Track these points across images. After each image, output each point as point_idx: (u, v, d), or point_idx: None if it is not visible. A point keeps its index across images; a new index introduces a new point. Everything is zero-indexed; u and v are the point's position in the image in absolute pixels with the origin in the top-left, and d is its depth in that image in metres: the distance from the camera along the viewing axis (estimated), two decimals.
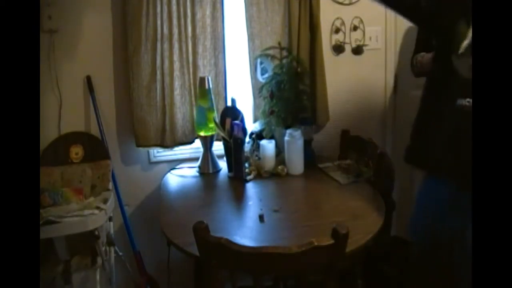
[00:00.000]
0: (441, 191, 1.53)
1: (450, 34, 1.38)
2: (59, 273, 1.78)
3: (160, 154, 2.31)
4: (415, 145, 1.62)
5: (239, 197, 1.88)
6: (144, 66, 2.09)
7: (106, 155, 2.07)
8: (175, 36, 2.10)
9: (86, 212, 1.71)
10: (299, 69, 2.14)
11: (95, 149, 2.08)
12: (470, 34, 1.29)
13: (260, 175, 2.03)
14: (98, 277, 1.84)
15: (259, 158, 2.08)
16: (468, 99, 1.35)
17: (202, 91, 2.08)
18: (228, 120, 2.05)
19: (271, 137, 2.14)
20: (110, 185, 2.00)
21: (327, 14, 2.36)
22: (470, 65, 1.40)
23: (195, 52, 2.16)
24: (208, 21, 2.15)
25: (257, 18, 2.21)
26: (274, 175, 2.04)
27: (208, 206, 1.78)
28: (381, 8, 2.49)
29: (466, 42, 1.31)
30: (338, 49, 2.45)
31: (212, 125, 2.08)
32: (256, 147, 2.13)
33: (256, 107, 2.31)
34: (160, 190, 1.99)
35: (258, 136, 2.17)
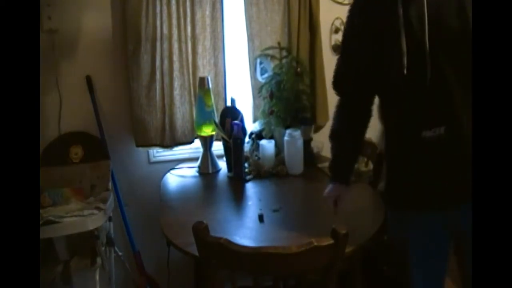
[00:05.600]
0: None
1: None
2: (59, 273, 1.78)
3: (160, 154, 2.31)
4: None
5: (238, 197, 1.88)
6: (144, 66, 2.09)
7: (106, 155, 2.07)
8: (175, 36, 2.10)
9: (86, 212, 1.71)
10: (298, 69, 2.14)
11: (95, 149, 2.08)
12: None
13: (259, 175, 2.03)
14: (98, 277, 1.84)
15: (259, 158, 2.08)
16: (433, 129, 1.21)
17: (204, 91, 2.08)
18: (227, 120, 2.05)
19: (271, 137, 2.14)
20: (110, 185, 2.00)
21: (327, 14, 2.36)
22: None
23: (194, 52, 2.17)
24: (208, 21, 2.15)
25: (257, 18, 2.21)
26: (274, 175, 2.03)
27: (208, 206, 1.77)
28: None
29: None
30: (338, 49, 2.45)
31: (212, 125, 2.08)
32: (255, 147, 2.13)
33: (255, 107, 2.31)
34: (160, 190, 1.99)
35: (258, 136, 2.17)
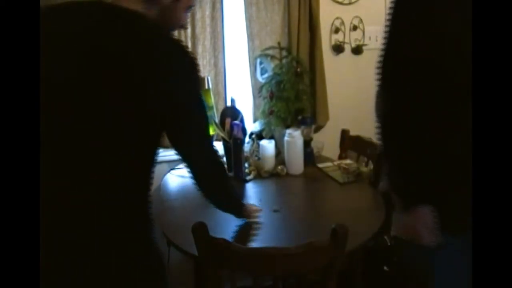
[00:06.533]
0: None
1: None
2: None
3: (160, 154, 2.30)
4: None
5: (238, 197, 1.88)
6: None
7: None
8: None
9: None
10: (298, 69, 2.14)
11: None
12: None
13: (259, 175, 2.03)
14: None
15: (259, 158, 2.08)
16: None
17: (204, 91, 2.08)
18: (227, 120, 2.05)
19: (271, 137, 2.14)
20: None
21: (327, 14, 2.36)
22: None
23: (194, 52, 2.17)
24: (208, 21, 2.15)
25: (257, 18, 2.22)
26: (274, 175, 2.04)
27: (207, 206, 1.75)
28: (380, 8, 2.50)
29: None
30: (338, 49, 2.45)
31: (212, 125, 2.08)
32: (255, 147, 2.13)
33: (255, 107, 2.31)
34: (160, 190, 1.99)
35: (258, 136, 2.17)
